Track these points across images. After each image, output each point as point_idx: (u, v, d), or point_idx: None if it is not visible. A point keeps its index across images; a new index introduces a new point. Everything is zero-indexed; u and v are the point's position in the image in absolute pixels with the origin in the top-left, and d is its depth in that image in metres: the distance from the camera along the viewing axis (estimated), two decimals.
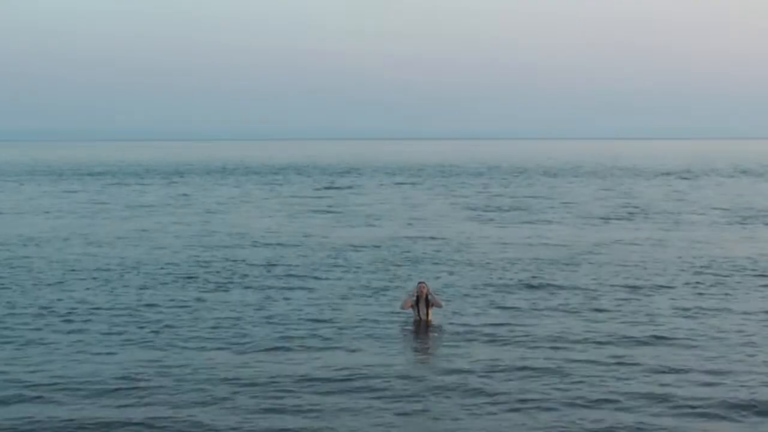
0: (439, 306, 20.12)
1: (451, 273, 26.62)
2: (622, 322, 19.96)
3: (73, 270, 27.28)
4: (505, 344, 18.08)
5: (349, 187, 70.84)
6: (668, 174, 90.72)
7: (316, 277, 25.85)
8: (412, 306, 20.02)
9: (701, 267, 27.45)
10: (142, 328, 19.58)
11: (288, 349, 17.73)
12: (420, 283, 20.38)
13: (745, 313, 20.96)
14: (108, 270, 27.29)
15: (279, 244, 33.24)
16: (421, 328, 19.49)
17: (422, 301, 19.89)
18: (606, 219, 42.73)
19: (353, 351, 17.65)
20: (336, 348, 17.86)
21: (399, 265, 28.08)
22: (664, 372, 16.13)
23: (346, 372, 16.15)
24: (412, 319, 19.98)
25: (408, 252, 31.17)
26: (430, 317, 19.88)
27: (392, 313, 20.76)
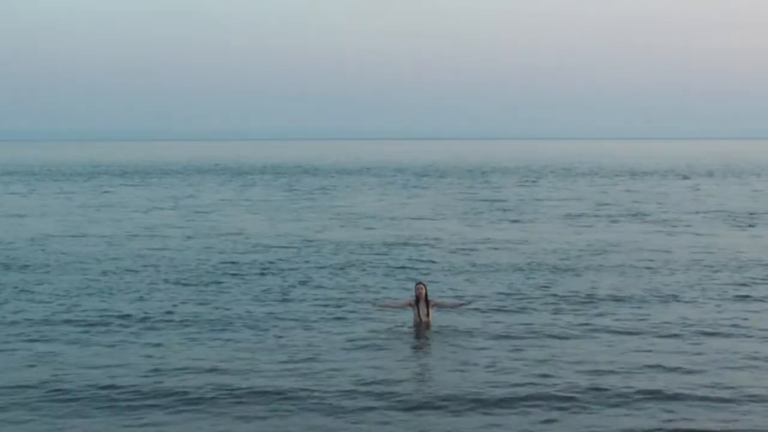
0: (450, 306, 20.22)
1: (449, 274, 26.66)
2: (619, 318, 20.09)
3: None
4: (506, 346, 18.11)
5: (335, 188, 70.79)
6: (665, 174, 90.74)
7: (312, 278, 25.92)
8: (410, 305, 19.97)
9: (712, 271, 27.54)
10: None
11: (284, 352, 17.73)
12: (418, 284, 20.19)
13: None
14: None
15: (279, 246, 33.27)
16: (421, 330, 19.48)
17: (422, 301, 19.74)
18: (607, 219, 42.80)
19: (351, 353, 17.65)
20: (334, 350, 17.85)
21: (397, 267, 28.13)
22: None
23: (344, 373, 16.15)
24: (412, 321, 19.90)
25: (405, 253, 31.20)
26: (430, 318, 19.79)
27: (391, 316, 20.76)
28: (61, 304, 22.14)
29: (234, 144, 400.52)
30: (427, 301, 19.79)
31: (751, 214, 45.47)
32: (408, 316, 20.06)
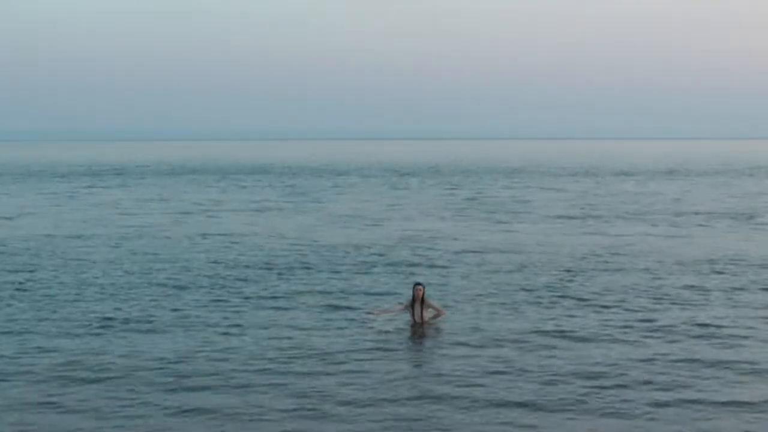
0: (440, 313, 19.79)
1: (446, 275, 26.21)
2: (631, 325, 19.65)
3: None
4: (505, 348, 17.64)
5: (336, 187, 70.48)
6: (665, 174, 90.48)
7: (309, 282, 25.44)
8: (406, 308, 19.70)
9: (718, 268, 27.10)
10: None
11: (280, 351, 17.26)
12: (416, 284, 19.89)
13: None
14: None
15: (274, 248, 32.85)
16: (417, 333, 19.08)
17: (418, 302, 19.50)
18: (604, 219, 42.41)
19: (348, 354, 17.21)
20: (330, 351, 17.38)
21: (395, 269, 27.69)
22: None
23: (340, 376, 15.77)
24: (409, 322, 19.56)
25: (403, 254, 30.75)
26: (426, 320, 19.50)
27: (391, 318, 20.34)
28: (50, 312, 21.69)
29: (233, 144, 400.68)
30: (422, 302, 19.53)
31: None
32: (406, 318, 19.76)
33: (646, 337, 18.49)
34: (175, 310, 21.32)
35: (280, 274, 26.60)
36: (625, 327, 19.42)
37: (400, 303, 20.56)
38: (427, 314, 19.62)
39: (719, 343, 18.04)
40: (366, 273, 26.67)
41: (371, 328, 19.45)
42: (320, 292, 23.46)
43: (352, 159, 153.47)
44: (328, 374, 15.91)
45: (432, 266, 28.00)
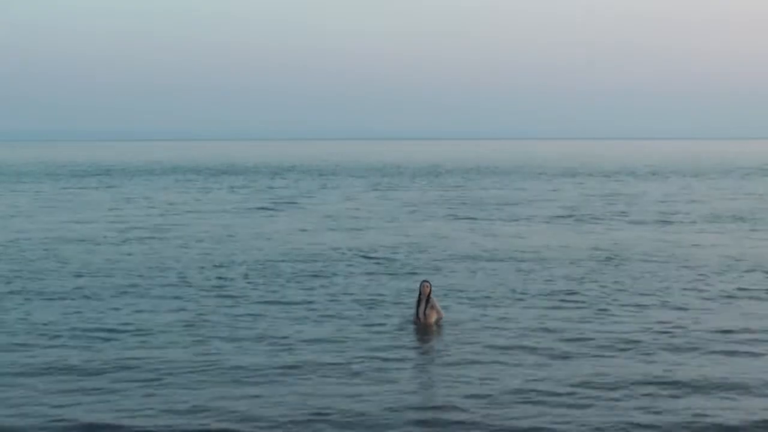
0: (440, 315, 19.32)
1: (449, 278, 25.51)
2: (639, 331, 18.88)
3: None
4: (506, 353, 16.90)
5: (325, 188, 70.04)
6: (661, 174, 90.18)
7: (306, 284, 24.74)
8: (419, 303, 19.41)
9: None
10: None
11: (276, 358, 16.57)
12: (424, 281, 19.66)
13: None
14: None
15: (270, 251, 32.23)
16: (419, 330, 18.66)
17: (423, 300, 19.23)
18: (597, 220, 41.85)
19: (346, 355, 16.64)
20: (328, 354, 16.78)
21: (392, 270, 27.01)
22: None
23: (337, 378, 15.33)
24: (411, 319, 19.32)
25: (399, 257, 30.08)
26: (430, 320, 19.09)
27: (385, 316, 19.67)
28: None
29: (233, 144, 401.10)
30: (428, 301, 19.21)
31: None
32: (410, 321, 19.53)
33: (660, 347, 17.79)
34: (172, 321, 20.62)
35: (277, 277, 25.89)
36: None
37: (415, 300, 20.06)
38: (432, 316, 19.20)
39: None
40: (364, 276, 25.98)
41: (371, 338, 18.74)
42: (318, 299, 22.73)
43: (352, 159, 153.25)
44: (329, 395, 15.04)
45: (434, 270, 27.28)
